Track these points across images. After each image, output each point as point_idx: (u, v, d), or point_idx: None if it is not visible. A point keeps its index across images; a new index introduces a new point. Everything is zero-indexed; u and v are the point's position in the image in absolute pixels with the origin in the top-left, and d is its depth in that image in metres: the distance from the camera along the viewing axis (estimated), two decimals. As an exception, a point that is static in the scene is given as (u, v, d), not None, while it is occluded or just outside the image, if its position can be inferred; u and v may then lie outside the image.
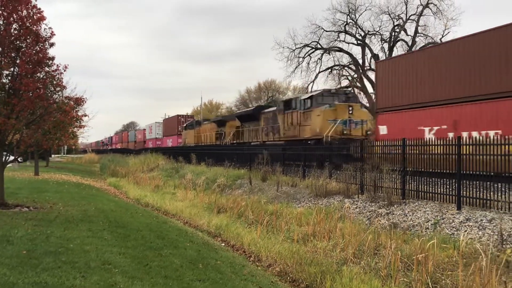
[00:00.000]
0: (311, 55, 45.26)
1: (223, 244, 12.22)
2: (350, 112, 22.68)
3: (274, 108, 29.89)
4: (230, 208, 15.95)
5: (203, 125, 47.07)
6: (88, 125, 34.80)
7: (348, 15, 43.52)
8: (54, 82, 12.32)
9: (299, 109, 25.03)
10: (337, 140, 21.24)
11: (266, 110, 31.34)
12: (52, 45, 11.68)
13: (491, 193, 10.74)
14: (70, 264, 6.34)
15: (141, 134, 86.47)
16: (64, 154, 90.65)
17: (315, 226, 11.72)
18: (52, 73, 11.97)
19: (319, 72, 45.07)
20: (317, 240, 10.82)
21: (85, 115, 16.90)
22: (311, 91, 34.26)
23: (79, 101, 13.37)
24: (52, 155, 65.04)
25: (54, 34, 11.62)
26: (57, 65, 12.01)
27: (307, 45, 44.76)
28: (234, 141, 35.75)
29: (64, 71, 12.07)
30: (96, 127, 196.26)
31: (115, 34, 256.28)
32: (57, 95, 13.23)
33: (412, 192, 13.01)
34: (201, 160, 31.85)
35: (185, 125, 55.72)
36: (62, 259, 6.53)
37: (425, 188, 12.64)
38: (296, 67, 45.18)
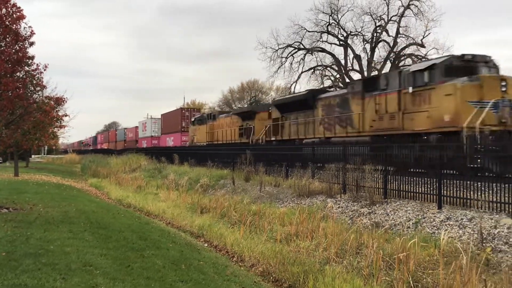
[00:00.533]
0: (294, 55, 45.45)
1: (206, 245, 12.19)
2: (504, 88, 14.32)
3: (342, 91, 22.73)
4: (213, 208, 15.93)
5: (219, 119, 36.65)
6: (69, 125, 34.28)
7: (330, 15, 43.77)
8: (34, 82, 12.19)
9: (403, 87, 16.95)
10: (491, 133, 13.18)
11: (326, 95, 23.24)
12: (32, 44, 11.54)
13: (471, 192, 10.88)
14: (51, 266, 6.25)
15: (133, 132, 77.01)
16: (44, 154, 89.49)
17: (298, 226, 11.75)
18: (32, 72, 11.83)
19: (302, 72, 45.27)
20: (300, 240, 10.85)
21: (66, 115, 16.75)
22: (432, 59, 20.56)
23: (59, 101, 13.23)
24: (32, 156, 64.18)
25: (34, 33, 11.49)
26: (37, 64, 11.88)
27: (290, 46, 44.92)
28: (272, 138, 27.15)
29: (44, 70, 11.94)
30: (78, 127, 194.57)
31: (98, 33, 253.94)
32: (37, 95, 13.08)
33: (394, 191, 13.12)
34: (184, 161, 31.69)
35: (193, 119, 44.73)
36: (42, 261, 6.44)
37: (407, 187, 12.76)
38: (279, 67, 45.28)
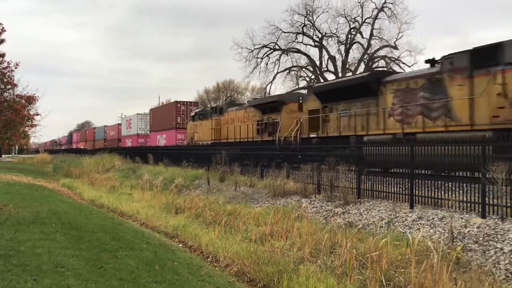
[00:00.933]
0: (269, 56, 45.74)
1: (181, 245, 12.13)
2: None
3: (427, 70, 15.92)
4: (188, 208, 15.86)
5: (229, 113, 30.92)
6: (40, 125, 33.50)
7: (305, 17, 44.19)
8: (5, 80, 11.93)
9: None
10: None
11: (398, 76, 17.81)
12: (2, 41, 11.30)
13: (442, 192, 11.10)
14: (21, 267, 6.14)
15: (115, 130, 70.30)
16: (15, 154, 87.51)
17: (273, 226, 11.78)
18: (3, 70, 11.58)
19: (277, 73, 45.61)
20: (275, 240, 10.89)
21: (37, 114, 16.44)
22: None
23: (30, 100, 13.01)
24: (2, 155, 62.72)
25: (4, 30, 11.26)
26: (8, 62, 11.64)
27: (265, 46, 45.17)
28: (311, 135, 21.34)
29: (16, 68, 11.76)
30: (50, 127, 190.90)
31: (73, 31, 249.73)
32: (7, 93, 12.80)
33: (367, 191, 13.29)
34: (159, 161, 31.44)
35: (192, 114, 38.46)
36: (13, 262, 6.32)
37: (380, 187, 12.94)
38: (254, 68, 45.49)
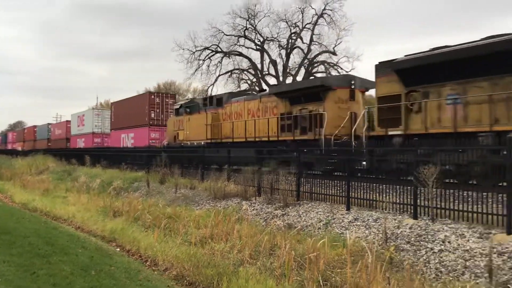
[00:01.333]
0: (211, 58, 45.68)
1: (118, 249, 11.87)
2: None
3: None
4: (126, 211, 15.52)
5: (233, 104, 23.84)
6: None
7: (247, 20, 44.49)
8: None
9: None
10: None
11: None
12: None
13: (377, 194, 11.52)
14: None
15: (62, 128, 60.88)
16: None
17: (213, 228, 11.77)
18: None
19: (219, 75, 45.63)
20: (215, 242, 10.87)
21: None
22: None
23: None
24: None
25: None
26: None
27: (207, 48, 45.08)
28: (390, 132, 14.65)
29: None
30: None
31: (4, 27, 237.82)
32: None
33: (306, 194, 13.55)
34: (96, 162, 30.56)
35: (177, 106, 30.26)
36: None
37: (318, 190, 13.23)
38: (196, 70, 45.26)
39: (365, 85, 18.76)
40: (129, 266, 9.51)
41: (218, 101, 25.22)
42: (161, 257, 10.31)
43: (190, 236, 11.61)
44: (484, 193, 8.95)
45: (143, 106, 38.38)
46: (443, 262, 8.06)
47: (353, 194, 11.88)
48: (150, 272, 9.60)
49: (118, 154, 29.77)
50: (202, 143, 24.82)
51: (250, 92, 27.62)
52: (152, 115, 37.85)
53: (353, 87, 18.32)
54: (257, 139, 20.97)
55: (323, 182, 13.17)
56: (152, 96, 38.80)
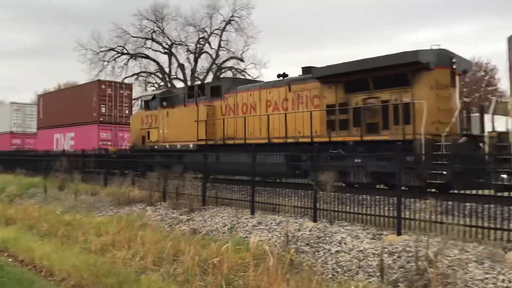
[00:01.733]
0: (116, 59, 44.39)
1: (11, 260, 11.16)
2: None
3: None
4: (20, 219, 14.60)
5: (243, 93, 17.86)
6: None
7: (155, 22, 43.81)
8: None
9: None
10: None
11: None
12: None
13: (280, 199, 11.84)
14: None
15: None
16: None
17: (115, 235, 11.40)
18: None
19: (125, 78, 44.37)
20: (117, 250, 10.53)
21: None
22: None
23: None
24: None
25: None
26: None
27: (112, 49, 43.79)
28: None
29: None
30: None
31: None
32: None
33: (212, 198, 13.59)
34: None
35: (148, 97, 22.87)
36: None
37: (224, 194, 13.33)
38: (100, 71, 43.72)
39: (464, 65, 13.89)
40: (22, 277, 8.98)
41: (214, 90, 19.08)
42: (57, 267, 9.80)
43: (90, 244, 11.17)
44: (377, 197, 9.55)
45: (90, 99, 29.22)
46: (339, 262, 8.45)
47: (257, 198, 12.11)
48: (46, 283, 9.11)
49: (11, 159, 27.77)
50: (191, 145, 19.02)
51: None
52: (103, 109, 28.78)
53: (454, 66, 13.08)
54: (289, 140, 15.44)
55: (228, 187, 13.30)
56: (103, 86, 29.36)
